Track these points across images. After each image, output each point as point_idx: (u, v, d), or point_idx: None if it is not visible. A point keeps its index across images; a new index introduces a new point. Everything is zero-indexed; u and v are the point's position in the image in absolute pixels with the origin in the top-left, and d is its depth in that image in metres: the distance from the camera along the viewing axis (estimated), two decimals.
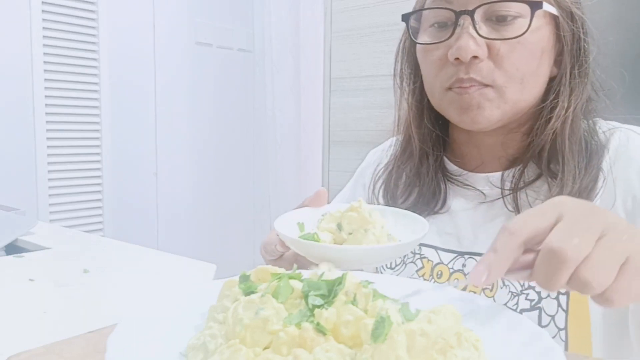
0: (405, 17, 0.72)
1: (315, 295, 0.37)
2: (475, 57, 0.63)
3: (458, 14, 0.64)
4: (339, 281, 0.38)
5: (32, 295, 0.90)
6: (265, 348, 0.35)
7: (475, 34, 0.63)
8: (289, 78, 2.84)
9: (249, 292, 0.40)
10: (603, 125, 0.69)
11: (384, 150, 0.85)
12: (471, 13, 0.63)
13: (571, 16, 0.66)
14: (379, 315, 0.34)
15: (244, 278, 0.42)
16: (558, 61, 0.68)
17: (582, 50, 0.67)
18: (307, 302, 0.37)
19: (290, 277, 0.40)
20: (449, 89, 0.67)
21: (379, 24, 2.07)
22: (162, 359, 0.37)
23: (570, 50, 0.66)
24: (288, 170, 2.90)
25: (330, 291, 0.38)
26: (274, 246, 0.61)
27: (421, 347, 0.33)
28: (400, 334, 0.33)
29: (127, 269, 1.12)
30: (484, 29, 0.64)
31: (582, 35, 0.66)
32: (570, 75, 0.67)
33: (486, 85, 0.64)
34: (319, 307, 0.36)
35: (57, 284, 0.95)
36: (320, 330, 0.35)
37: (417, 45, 0.71)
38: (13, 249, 1.28)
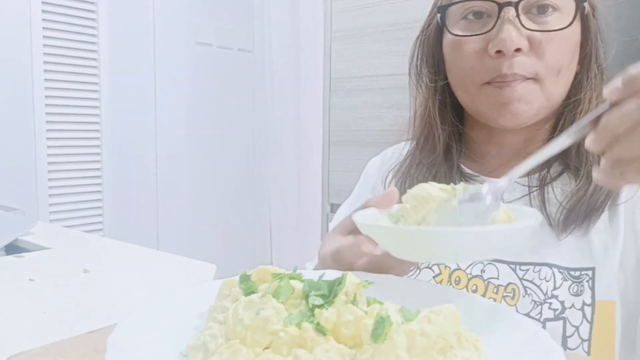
0: (442, 9, 0.69)
1: (316, 295, 0.37)
2: (517, 49, 0.62)
3: (501, 6, 0.62)
4: (339, 281, 0.38)
5: (32, 295, 0.90)
6: (266, 348, 0.35)
7: (519, 25, 0.62)
8: (289, 78, 2.84)
9: (249, 292, 0.40)
10: None
11: (386, 158, 0.83)
12: (516, 5, 0.62)
13: (594, 10, 0.67)
14: (379, 315, 0.34)
15: (245, 278, 0.42)
16: (581, 58, 0.68)
17: (599, 44, 0.67)
18: (307, 302, 0.37)
19: (291, 278, 0.40)
20: (487, 83, 0.65)
21: (379, 24, 2.07)
22: (162, 359, 0.37)
23: (594, 46, 0.67)
24: (288, 170, 2.90)
25: (330, 291, 0.38)
26: (356, 249, 0.52)
27: (421, 347, 0.33)
28: (400, 334, 0.33)
29: (127, 269, 1.12)
30: (525, 21, 0.63)
31: (601, 31, 0.67)
32: (592, 72, 0.67)
33: (528, 79, 0.64)
34: (319, 307, 0.36)
35: (57, 284, 0.95)
36: (320, 330, 0.35)
37: (448, 38, 0.69)
38: (13, 249, 1.28)
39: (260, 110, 3.00)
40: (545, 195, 0.67)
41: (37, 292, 0.91)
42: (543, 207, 0.66)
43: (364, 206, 0.55)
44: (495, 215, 0.46)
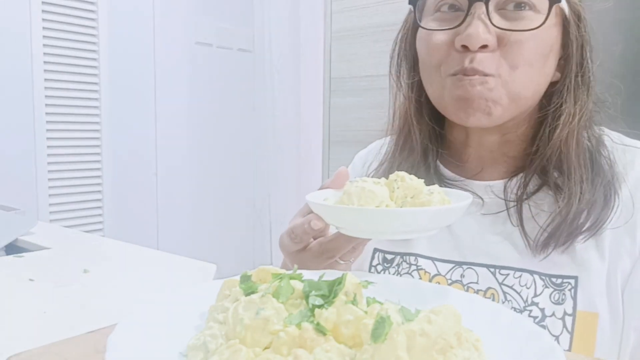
0: (414, 1, 0.68)
1: (316, 296, 0.37)
2: (483, 46, 0.60)
3: (472, 1, 0.61)
4: (339, 281, 0.38)
5: (32, 295, 0.90)
6: (266, 348, 0.35)
7: (488, 22, 0.61)
8: (289, 78, 2.84)
9: (249, 292, 0.40)
10: (614, 137, 0.67)
11: (371, 152, 0.82)
12: (486, 1, 0.61)
13: (579, 19, 0.64)
14: (379, 315, 0.34)
15: (245, 278, 0.42)
16: (561, 65, 0.66)
17: (586, 57, 0.65)
18: (307, 302, 0.37)
19: (291, 278, 0.40)
20: (451, 76, 0.63)
21: (379, 24, 2.07)
22: (162, 359, 0.37)
23: (576, 55, 0.64)
24: (288, 170, 2.90)
25: (330, 291, 0.38)
26: (306, 226, 0.53)
27: (421, 347, 0.33)
28: (400, 334, 0.33)
29: (127, 269, 1.12)
30: (496, 18, 0.61)
31: (587, 39, 0.65)
32: (574, 82, 0.65)
33: (487, 75, 0.61)
34: (319, 307, 0.36)
35: (57, 284, 0.95)
36: (320, 330, 0.35)
37: (420, 32, 0.68)
38: (13, 249, 1.28)
39: (260, 110, 3.00)
40: (523, 213, 0.65)
41: (37, 292, 0.91)
42: (521, 225, 0.65)
43: (321, 189, 0.58)
44: (431, 198, 0.50)
